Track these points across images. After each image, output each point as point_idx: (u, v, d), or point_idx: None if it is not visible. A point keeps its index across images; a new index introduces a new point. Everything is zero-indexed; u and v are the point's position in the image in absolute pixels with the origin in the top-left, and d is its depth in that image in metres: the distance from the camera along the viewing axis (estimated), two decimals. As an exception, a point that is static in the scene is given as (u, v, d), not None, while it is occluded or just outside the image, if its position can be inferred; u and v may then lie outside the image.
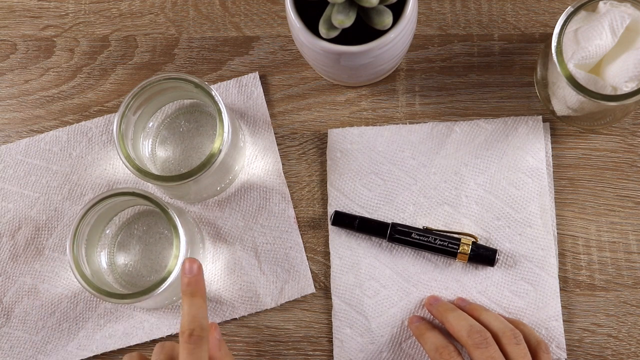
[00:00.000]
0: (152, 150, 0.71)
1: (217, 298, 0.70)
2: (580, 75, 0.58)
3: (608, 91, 0.57)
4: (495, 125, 0.70)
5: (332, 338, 0.69)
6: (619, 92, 0.57)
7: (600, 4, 0.57)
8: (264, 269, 0.70)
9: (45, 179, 0.72)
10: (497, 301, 0.68)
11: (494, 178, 0.69)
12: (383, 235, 0.68)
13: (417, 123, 0.71)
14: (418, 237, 0.67)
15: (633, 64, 0.54)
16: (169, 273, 0.62)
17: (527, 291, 0.68)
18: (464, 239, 0.67)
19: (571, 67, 0.58)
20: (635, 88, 0.56)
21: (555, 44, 0.58)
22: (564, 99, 0.62)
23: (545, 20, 0.72)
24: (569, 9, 0.59)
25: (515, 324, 0.65)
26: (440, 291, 0.68)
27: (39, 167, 0.72)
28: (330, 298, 0.69)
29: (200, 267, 0.57)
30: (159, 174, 0.67)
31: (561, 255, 0.69)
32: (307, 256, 0.70)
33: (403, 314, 0.68)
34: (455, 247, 0.67)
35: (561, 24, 0.58)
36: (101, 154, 0.72)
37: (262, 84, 0.73)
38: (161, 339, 0.69)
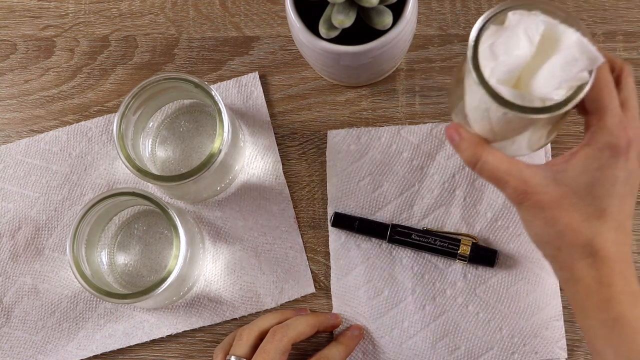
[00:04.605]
0: (152, 150, 0.71)
1: (217, 298, 0.70)
2: (506, 92, 0.50)
3: (537, 104, 0.50)
4: (495, 126, 0.70)
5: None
6: (548, 103, 0.49)
7: (509, 14, 0.52)
8: (264, 269, 0.70)
9: (45, 179, 0.72)
10: (497, 301, 0.68)
11: (494, 178, 0.69)
12: (383, 237, 0.68)
13: (416, 124, 0.71)
14: (418, 238, 0.67)
15: (560, 67, 0.48)
16: (169, 273, 0.62)
17: (527, 291, 0.67)
18: (463, 240, 0.67)
19: (494, 84, 0.50)
20: (567, 95, 0.49)
21: (472, 64, 0.50)
22: (488, 124, 0.53)
23: (545, 20, 0.72)
24: (479, 25, 0.51)
25: None
26: (440, 292, 0.68)
27: (39, 167, 0.72)
28: (330, 298, 0.69)
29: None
30: (159, 174, 0.67)
31: (561, 255, 0.69)
32: (307, 256, 0.70)
33: (403, 316, 0.68)
34: (455, 248, 0.67)
35: (474, 41, 0.51)
36: (101, 154, 0.72)
37: (262, 84, 0.73)
38: (161, 339, 0.69)
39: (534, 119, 0.50)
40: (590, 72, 0.48)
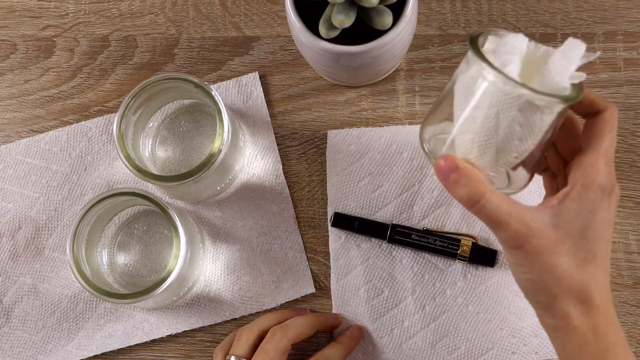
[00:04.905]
0: (152, 150, 0.71)
1: (217, 298, 0.70)
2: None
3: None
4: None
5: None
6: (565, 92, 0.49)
7: (490, 37, 0.51)
8: (264, 269, 0.70)
9: (45, 179, 0.72)
10: (497, 301, 0.68)
11: (494, 178, 0.69)
12: (383, 237, 0.68)
13: (416, 124, 0.71)
14: (418, 238, 0.67)
15: (565, 58, 0.48)
16: (169, 273, 0.62)
17: (527, 291, 0.67)
18: (464, 240, 0.67)
19: (510, 73, 0.48)
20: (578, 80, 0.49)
21: (480, 59, 0.48)
22: (493, 135, 0.49)
23: (545, 20, 0.72)
24: (475, 32, 0.52)
25: None
26: (440, 292, 0.68)
27: (39, 167, 0.72)
28: (330, 298, 0.69)
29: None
30: (159, 174, 0.67)
31: (561, 255, 0.69)
32: (307, 256, 0.70)
33: (403, 316, 0.68)
34: (455, 248, 0.67)
35: (473, 38, 0.50)
36: (101, 154, 0.72)
37: (262, 84, 0.73)
38: (161, 339, 0.69)
39: (543, 120, 0.49)
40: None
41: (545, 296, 0.49)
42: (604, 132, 0.50)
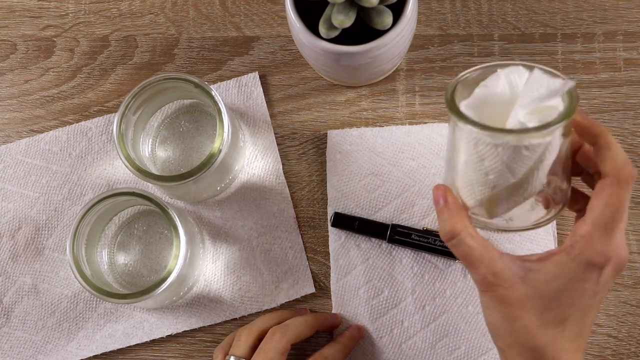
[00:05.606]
0: (152, 150, 0.71)
1: (217, 298, 0.70)
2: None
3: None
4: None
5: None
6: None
7: (499, 70, 0.50)
8: (264, 269, 0.70)
9: (45, 179, 0.72)
10: (497, 301, 0.68)
11: (494, 178, 0.69)
12: (383, 237, 0.68)
13: (416, 123, 0.71)
14: (418, 238, 0.67)
15: (524, 96, 0.47)
16: (169, 273, 0.62)
17: (527, 291, 0.67)
18: (463, 240, 0.67)
19: (463, 109, 0.49)
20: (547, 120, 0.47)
21: (448, 102, 0.49)
22: (483, 174, 0.50)
23: (545, 20, 0.72)
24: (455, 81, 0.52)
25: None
26: (440, 292, 0.68)
27: (39, 167, 0.72)
28: (330, 298, 0.69)
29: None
30: (159, 174, 0.67)
31: (561, 255, 0.69)
32: (307, 256, 0.70)
33: (403, 316, 0.68)
34: (455, 247, 0.67)
35: (451, 92, 0.50)
36: (101, 154, 0.72)
37: (262, 84, 0.73)
38: (161, 339, 0.70)
39: (502, 155, 0.48)
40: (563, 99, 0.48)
41: (502, 342, 0.50)
42: (608, 202, 0.48)
